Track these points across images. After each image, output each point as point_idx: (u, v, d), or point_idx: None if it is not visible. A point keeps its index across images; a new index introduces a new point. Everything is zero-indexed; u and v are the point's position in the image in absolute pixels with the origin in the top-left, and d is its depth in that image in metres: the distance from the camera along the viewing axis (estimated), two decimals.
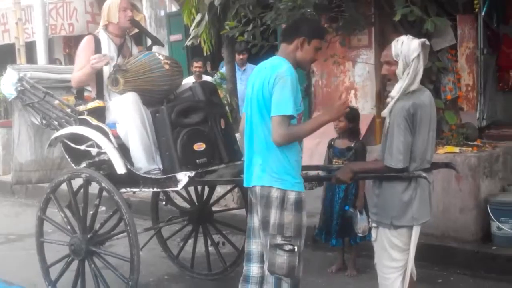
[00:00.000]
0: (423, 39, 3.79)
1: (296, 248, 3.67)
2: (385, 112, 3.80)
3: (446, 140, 6.17)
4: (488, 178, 5.91)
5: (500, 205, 5.67)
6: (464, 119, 6.66)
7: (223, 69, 8.85)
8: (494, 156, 6.06)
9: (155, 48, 5.44)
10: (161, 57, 5.02)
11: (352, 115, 5.47)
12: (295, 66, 3.74)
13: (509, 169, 6.27)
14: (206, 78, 9.18)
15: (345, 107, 3.76)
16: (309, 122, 3.80)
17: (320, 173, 5.15)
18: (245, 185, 3.85)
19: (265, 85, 3.62)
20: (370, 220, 4.10)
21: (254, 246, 3.95)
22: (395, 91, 3.75)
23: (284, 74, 3.58)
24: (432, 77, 6.20)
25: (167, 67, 4.95)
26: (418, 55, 3.72)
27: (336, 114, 3.80)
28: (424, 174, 3.74)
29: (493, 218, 5.65)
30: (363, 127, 6.16)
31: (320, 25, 4.07)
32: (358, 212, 4.84)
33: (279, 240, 3.65)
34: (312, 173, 4.80)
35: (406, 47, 3.73)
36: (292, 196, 3.65)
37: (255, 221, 3.90)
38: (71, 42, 14.01)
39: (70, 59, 13.83)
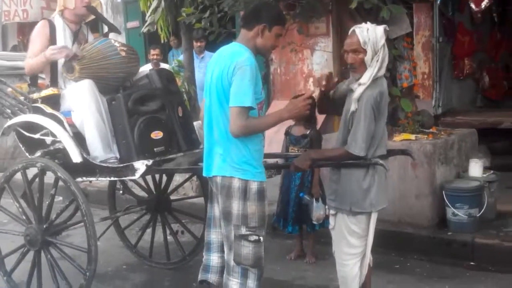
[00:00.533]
0: (384, 25, 3.83)
1: (261, 238, 3.66)
2: (355, 97, 3.78)
3: (402, 128, 6.25)
4: (444, 165, 6.01)
5: (455, 191, 5.77)
6: (420, 107, 6.74)
7: (181, 57, 8.78)
8: (449, 143, 6.16)
9: (111, 35, 5.35)
10: (117, 44, 4.94)
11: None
12: (255, 53, 3.69)
13: (463, 156, 6.38)
14: (164, 66, 9.09)
15: (306, 109, 3.66)
16: (268, 117, 3.75)
17: (279, 161, 5.16)
18: (204, 174, 3.80)
19: (224, 74, 3.56)
20: (327, 207, 4.13)
21: (214, 236, 3.92)
22: (366, 78, 3.75)
23: (243, 63, 3.51)
24: (388, 64, 6.22)
25: (123, 54, 4.88)
26: (384, 42, 3.76)
27: (297, 114, 3.72)
28: (381, 161, 3.78)
29: (448, 204, 5.75)
30: (320, 115, 6.17)
31: (281, 11, 4.01)
32: (314, 200, 4.88)
33: (243, 231, 3.62)
34: (270, 161, 4.80)
35: (373, 35, 3.76)
36: (254, 186, 3.62)
37: (216, 210, 3.86)
38: (25, 29, 13.70)
39: (24, 46, 13.53)
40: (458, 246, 5.54)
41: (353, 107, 3.79)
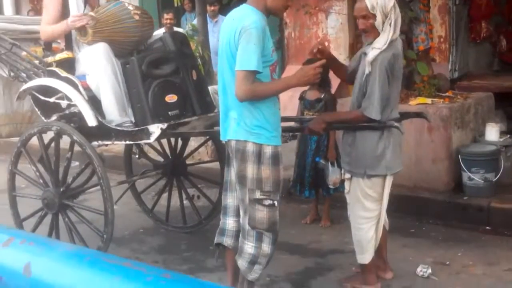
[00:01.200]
0: None
1: (276, 202, 3.66)
2: (369, 60, 3.74)
3: (418, 91, 6.19)
4: (460, 129, 5.96)
5: (471, 156, 5.73)
6: (436, 70, 6.67)
7: (194, 21, 8.72)
8: (465, 107, 6.11)
9: None
10: (131, 8, 4.90)
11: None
12: (267, 14, 3.63)
13: (480, 120, 6.33)
14: (177, 30, 9.03)
15: (316, 77, 3.60)
16: (276, 82, 3.69)
17: (293, 124, 5.14)
18: (221, 139, 3.79)
19: (232, 38, 3.52)
20: (342, 171, 4.12)
21: (231, 200, 3.91)
22: (381, 43, 3.71)
23: (249, 26, 3.46)
24: (404, 27, 6.16)
25: (137, 17, 4.84)
26: (394, 4, 3.70)
27: (306, 82, 3.68)
28: (396, 124, 3.76)
29: (464, 169, 5.72)
30: (335, 79, 6.09)
31: None
32: (329, 164, 4.87)
33: (258, 195, 3.61)
34: (285, 124, 4.78)
35: None
36: (268, 150, 3.60)
37: (232, 174, 3.83)
38: None
39: (37, 11, 13.50)
40: (474, 211, 5.52)
41: (367, 69, 3.76)
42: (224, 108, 3.71)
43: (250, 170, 3.60)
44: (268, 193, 3.63)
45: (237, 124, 3.61)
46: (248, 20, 3.49)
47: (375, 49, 3.71)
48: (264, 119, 3.59)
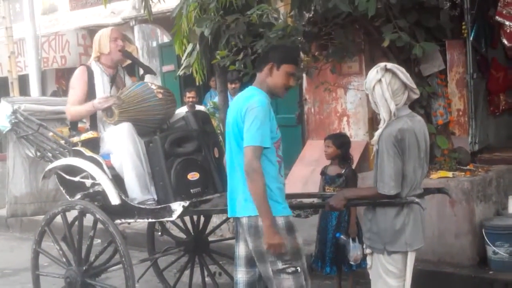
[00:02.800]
0: (383, 64, 3.82)
1: (299, 268, 3.69)
2: (374, 140, 3.82)
3: (438, 165, 6.20)
4: (482, 202, 5.92)
5: (495, 229, 5.67)
6: (456, 144, 6.69)
7: (216, 99, 8.89)
8: (487, 180, 6.08)
9: (147, 78, 5.48)
10: (154, 87, 5.06)
11: (340, 142, 5.49)
12: (270, 95, 3.82)
13: (502, 192, 6.28)
14: (199, 108, 9.20)
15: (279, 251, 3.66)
16: (266, 201, 3.64)
17: (315, 200, 5.15)
18: (229, 215, 3.88)
19: (239, 117, 3.70)
20: (364, 246, 4.10)
21: (240, 275, 3.95)
22: (381, 120, 3.79)
23: (255, 104, 3.66)
24: (423, 102, 6.25)
25: (160, 96, 4.99)
26: (379, 80, 3.74)
27: (269, 241, 3.64)
28: (417, 200, 3.75)
29: (489, 243, 5.64)
30: (356, 153, 6.18)
31: (291, 50, 4.13)
32: (350, 240, 4.85)
33: (280, 265, 3.67)
34: (306, 201, 4.80)
35: (368, 78, 3.81)
36: (281, 221, 3.68)
37: (241, 250, 3.92)
38: (64, 75, 14.07)
39: (63, 91, 13.87)
40: (500, 286, 5.42)
41: (375, 148, 3.81)
42: (232, 185, 3.83)
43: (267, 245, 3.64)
44: (289, 261, 3.69)
45: (245, 200, 3.71)
46: (254, 98, 3.70)
47: (379, 128, 3.78)
48: (272, 192, 3.69)
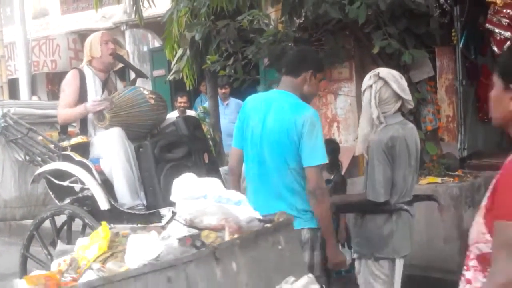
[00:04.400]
0: (377, 70, 3.83)
1: (324, 286, 3.62)
2: (358, 151, 3.83)
3: (427, 171, 6.23)
4: (471, 208, 5.94)
5: None
6: (445, 150, 6.73)
7: (206, 104, 8.90)
8: (475, 186, 6.11)
9: (139, 82, 5.49)
10: (146, 92, 5.08)
11: (330, 148, 5.48)
12: (302, 100, 3.65)
13: None
14: (190, 112, 9.20)
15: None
16: (330, 221, 3.65)
17: None
18: None
19: (292, 129, 3.46)
20: (352, 251, 4.12)
21: None
22: (365, 127, 3.79)
23: (314, 119, 3.49)
24: (412, 108, 6.28)
25: (152, 101, 4.99)
26: (370, 86, 3.76)
27: (333, 258, 3.69)
28: (406, 207, 3.76)
29: None
30: (345, 159, 6.19)
31: (320, 58, 4.06)
32: (339, 245, 4.85)
33: None
34: None
35: (363, 83, 3.83)
36: (319, 233, 3.61)
37: None
38: (54, 79, 14.04)
39: (53, 95, 13.85)
40: None
41: (366, 156, 3.83)
42: (264, 198, 3.57)
43: (305, 259, 3.50)
44: (318, 278, 3.52)
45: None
46: (309, 111, 3.54)
47: (363, 135, 3.80)
48: (309, 204, 3.59)
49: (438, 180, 6.03)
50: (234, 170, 3.81)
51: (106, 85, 5.17)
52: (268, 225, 2.73)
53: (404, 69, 6.36)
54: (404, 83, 3.83)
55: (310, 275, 2.72)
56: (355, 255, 3.99)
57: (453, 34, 6.88)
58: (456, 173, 6.34)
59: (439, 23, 6.47)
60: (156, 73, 12.29)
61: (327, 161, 3.53)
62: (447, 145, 7.30)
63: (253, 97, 3.82)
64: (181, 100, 9.35)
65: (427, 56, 6.29)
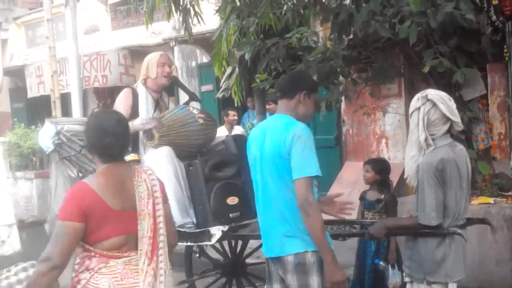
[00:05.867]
0: (426, 92, 3.77)
1: None
2: (406, 174, 3.79)
3: (479, 191, 6.13)
4: None
5: None
6: (498, 169, 6.60)
7: (254, 120, 8.95)
8: None
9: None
10: (195, 112, 5.12)
11: (380, 167, 5.46)
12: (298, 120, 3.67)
13: None
14: (238, 128, 9.29)
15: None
16: (325, 237, 3.51)
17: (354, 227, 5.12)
18: (267, 256, 3.69)
19: (282, 146, 3.51)
20: (403, 274, 4.06)
21: None
22: (413, 150, 3.75)
23: (301, 132, 3.50)
24: (464, 127, 6.17)
25: (201, 121, 5.04)
26: (418, 108, 3.72)
27: (330, 277, 3.51)
28: (459, 231, 3.70)
29: None
30: (394, 176, 6.11)
31: (314, 79, 4.11)
32: (390, 266, 4.80)
33: None
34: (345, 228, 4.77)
35: (411, 103, 3.79)
36: (315, 257, 3.54)
37: None
38: (104, 94, 14.29)
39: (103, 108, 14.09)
40: None
41: (414, 180, 3.77)
42: (267, 222, 3.65)
43: (315, 282, 3.52)
44: None
45: (291, 237, 3.53)
46: (298, 126, 3.55)
47: (411, 157, 3.74)
48: None
49: (491, 200, 5.92)
50: None
51: (158, 104, 5.24)
52: None
53: (455, 88, 6.29)
54: (453, 104, 3.78)
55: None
56: (407, 279, 3.93)
57: (505, 50, 6.76)
58: (510, 193, 6.21)
59: (490, 40, 6.38)
60: (204, 88, 12.42)
61: (318, 174, 3.45)
62: (500, 164, 7.15)
63: (254, 129, 3.95)
64: (233, 113, 9.48)
65: (479, 75, 6.20)
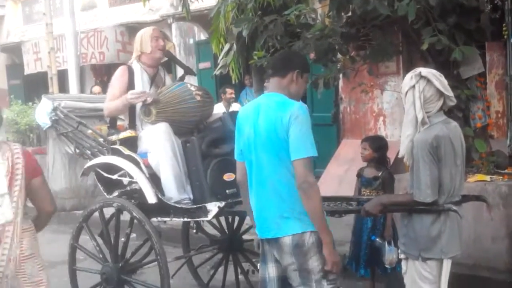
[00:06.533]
0: (418, 70, 3.76)
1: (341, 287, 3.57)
2: (402, 152, 3.79)
3: (476, 169, 6.14)
4: None
5: None
6: (495, 147, 6.61)
7: (252, 98, 8.94)
8: None
9: (186, 77, 5.52)
10: (193, 88, 5.11)
11: (378, 145, 5.46)
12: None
13: None
14: (236, 105, 9.28)
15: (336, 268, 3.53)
16: (323, 214, 3.54)
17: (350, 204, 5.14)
18: (262, 236, 3.63)
19: (279, 125, 3.45)
20: (399, 251, 4.09)
21: None
22: (409, 129, 3.74)
23: (298, 112, 3.45)
24: (461, 105, 6.18)
25: (198, 98, 5.03)
26: (413, 87, 3.70)
27: (328, 257, 3.50)
28: (454, 208, 3.71)
29: None
30: (392, 154, 6.10)
31: (306, 59, 4.04)
32: (386, 243, 4.81)
33: (325, 285, 3.51)
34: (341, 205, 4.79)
35: (403, 82, 3.79)
36: (315, 237, 3.51)
37: (271, 271, 3.69)
38: (101, 71, 14.25)
39: (102, 86, 14.06)
40: None
41: (410, 158, 3.77)
42: (262, 203, 3.58)
43: (315, 262, 3.49)
44: (334, 281, 3.55)
45: (289, 218, 3.49)
46: (294, 105, 3.49)
47: (407, 136, 3.74)
48: None
49: (487, 178, 5.94)
50: (241, 182, 3.80)
51: (154, 80, 5.22)
52: None
53: (453, 65, 6.27)
54: (444, 80, 3.78)
55: None
56: (402, 256, 3.95)
57: (504, 28, 6.74)
58: (506, 171, 6.23)
59: (489, 18, 6.35)
60: (202, 65, 12.38)
61: (315, 154, 3.42)
62: (497, 142, 7.16)
63: (243, 108, 3.89)
64: (231, 91, 9.46)
65: (478, 53, 6.18)
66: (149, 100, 4.88)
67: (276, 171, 3.50)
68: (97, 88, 11.53)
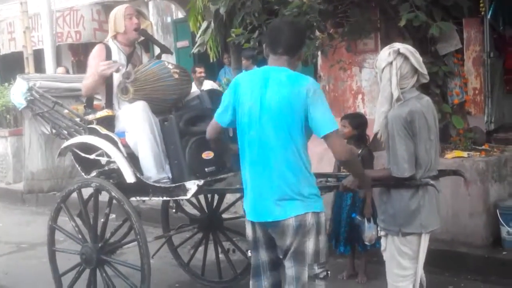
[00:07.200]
0: (396, 46, 3.75)
1: (329, 272, 3.55)
2: (376, 128, 3.80)
3: (454, 145, 6.19)
4: (497, 183, 5.91)
5: (509, 210, 5.67)
6: (472, 123, 6.66)
7: (230, 75, 8.89)
8: (502, 160, 6.06)
9: (164, 56, 5.47)
10: (170, 66, 5.05)
11: (357, 122, 5.48)
12: None
13: None
14: (208, 83, 9.21)
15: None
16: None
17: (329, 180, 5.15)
18: (261, 220, 3.49)
19: (297, 100, 3.31)
20: (378, 228, 4.11)
21: (266, 282, 3.63)
22: (383, 105, 3.74)
23: (317, 87, 3.39)
24: (439, 81, 6.22)
25: (176, 76, 4.98)
26: (390, 63, 3.70)
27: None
28: (432, 182, 3.74)
29: (503, 223, 5.65)
30: (371, 132, 6.12)
31: None
32: (365, 220, 4.84)
33: (316, 269, 3.48)
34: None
35: (379, 57, 3.77)
36: (323, 217, 3.50)
37: (263, 256, 3.62)
38: (78, 50, 14.08)
39: (78, 65, 13.91)
40: None
41: (385, 134, 3.78)
42: (263, 185, 3.44)
43: (311, 245, 3.45)
44: (324, 264, 3.52)
45: (291, 200, 3.40)
46: (309, 80, 3.41)
47: (382, 112, 3.74)
48: (316, 186, 3.53)
49: (465, 154, 5.98)
50: (213, 138, 3.83)
51: (131, 58, 5.16)
52: None
53: (431, 42, 6.28)
54: (419, 57, 3.79)
55: None
56: (382, 233, 3.97)
57: (481, 5, 6.77)
58: (483, 147, 6.29)
59: None
60: (180, 44, 12.27)
61: (338, 128, 3.46)
62: (474, 119, 7.21)
63: (244, 75, 3.68)
64: (200, 70, 9.37)
65: (455, 29, 6.20)
66: (122, 68, 4.81)
67: (284, 148, 3.38)
68: (61, 69, 11.40)
